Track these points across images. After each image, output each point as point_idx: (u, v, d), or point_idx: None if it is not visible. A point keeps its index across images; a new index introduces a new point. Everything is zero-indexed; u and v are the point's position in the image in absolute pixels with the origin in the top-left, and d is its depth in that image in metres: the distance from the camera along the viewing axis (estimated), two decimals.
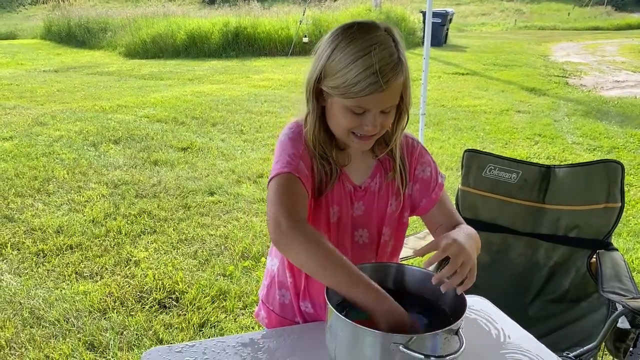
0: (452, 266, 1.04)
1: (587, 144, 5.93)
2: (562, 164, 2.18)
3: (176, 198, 4.28)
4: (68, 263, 3.27)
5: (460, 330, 0.98)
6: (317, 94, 1.18)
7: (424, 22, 14.80)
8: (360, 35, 1.10)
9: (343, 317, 0.98)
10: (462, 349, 0.96)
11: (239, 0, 17.79)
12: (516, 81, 10.19)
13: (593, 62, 13.50)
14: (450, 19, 16.61)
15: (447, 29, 16.46)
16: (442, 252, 1.07)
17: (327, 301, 1.04)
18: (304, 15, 13.55)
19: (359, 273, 1.06)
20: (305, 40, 13.20)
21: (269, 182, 1.18)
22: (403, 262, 1.42)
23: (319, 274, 1.09)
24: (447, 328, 0.97)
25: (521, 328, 1.35)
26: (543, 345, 1.28)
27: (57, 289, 2.98)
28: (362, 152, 1.29)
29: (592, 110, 7.67)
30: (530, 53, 15.11)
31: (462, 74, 10.94)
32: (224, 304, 2.88)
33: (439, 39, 15.12)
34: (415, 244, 2.12)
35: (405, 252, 2.01)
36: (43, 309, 2.77)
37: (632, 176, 4.83)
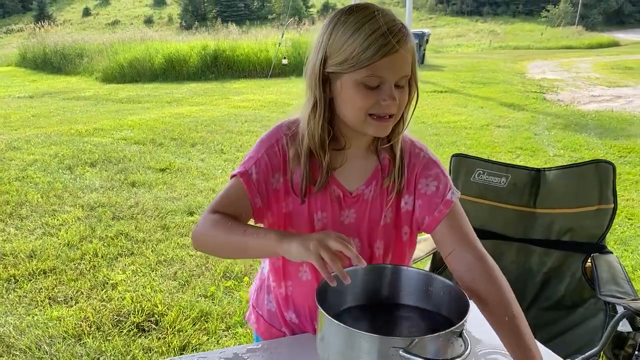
0: None
1: (568, 155, 5.96)
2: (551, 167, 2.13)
3: (154, 219, 4.15)
4: (41, 288, 3.11)
5: (464, 332, 0.90)
6: (324, 82, 1.09)
7: None
8: (358, 10, 1.05)
9: (337, 322, 0.89)
10: (467, 352, 0.87)
11: (217, 24, 17.85)
12: (495, 97, 10.29)
13: (568, 78, 13.75)
14: (427, 40, 16.85)
15: (424, 50, 16.69)
16: None
17: (318, 305, 0.95)
18: (282, 37, 13.60)
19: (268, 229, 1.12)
20: (285, 62, 13.23)
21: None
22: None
23: (236, 245, 1.09)
24: (449, 329, 0.88)
25: None
26: (548, 350, 1.20)
27: (28, 315, 2.83)
28: (365, 154, 1.19)
29: (571, 124, 7.75)
30: (507, 71, 15.36)
31: (441, 92, 11.02)
32: (206, 325, 2.75)
33: None
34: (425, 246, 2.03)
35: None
36: (14, 337, 2.62)
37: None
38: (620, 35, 38.37)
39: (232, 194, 1.13)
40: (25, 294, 3.06)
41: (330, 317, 0.90)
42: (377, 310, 1.10)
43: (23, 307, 2.92)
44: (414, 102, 1.14)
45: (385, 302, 1.11)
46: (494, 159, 5.75)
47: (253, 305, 1.38)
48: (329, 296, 1.03)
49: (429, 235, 1.21)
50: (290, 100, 9.76)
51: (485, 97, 10.28)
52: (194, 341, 2.61)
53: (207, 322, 2.78)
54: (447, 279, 1.07)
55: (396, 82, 1.05)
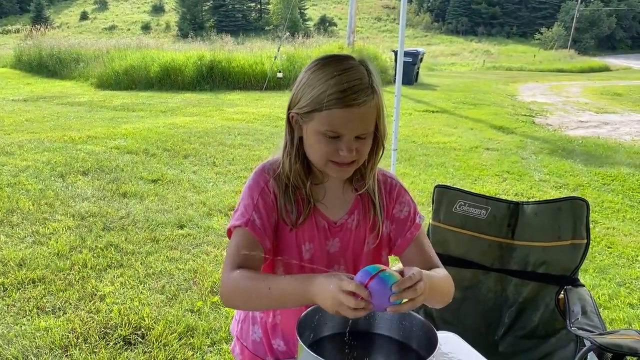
0: (409, 280, 0.99)
1: (553, 181, 6.08)
2: (529, 200, 2.22)
3: (144, 231, 4.20)
4: (30, 297, 3.15)
5: None
6: (293, 122, 1.20)
7: (395, 60, 15.17)
8: (333, 63, 1.14)
9: (314, 355, 0.96)
10: None
11: (213, 35, 17.95)
12: (485, 119, 10.45)
13: (558, 102, 13.97)
14: (421, 59, 17.04)
15: (418, 68, 16.87)
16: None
17: (297, 337, 1.02)
18: (278, 51, 13.73)
19: (292, 276, 1.13)
20: (280, 75, 13.35)
21: (228, 233, 1.22)
22: None
23: (265, 299, 1.10)
24: None
25: None
26: None
27: (16, 324, 2.87)
28: (342, 186, 1.30)
29: (558, 149, 7.89)
30: (498, 93, 15.57)
31: (433, 112, 11.17)
32: (192, 341, 2.80)
33: (409, 77, 15.46)
34: None
35: None
36: (1, 346, 2.65)
37: (597, 213, 4.95)
38: (612, 60, 39.05)
39: (244, 244, 1.17)
40: (13, 302, 3.10)
41: (308, 349, 0.97)
42: (354, 339, 1.17)
43: (11, 316, 2.96)
44: (379, 153, 1.24)
45: (362, 332, 1.19)
46: (481, 182, 5.89)
47: (237, 337, 1.44)
48: (310, 325, 1.12)
49: None
50: (283, 115, 9.80)
51: (476, 119, 10.44)
52: (179, 356, 2.66)
53: (192, 337, 2.83)
54: (419, 316, 1.14)
55: (357, 135, 1.14)
